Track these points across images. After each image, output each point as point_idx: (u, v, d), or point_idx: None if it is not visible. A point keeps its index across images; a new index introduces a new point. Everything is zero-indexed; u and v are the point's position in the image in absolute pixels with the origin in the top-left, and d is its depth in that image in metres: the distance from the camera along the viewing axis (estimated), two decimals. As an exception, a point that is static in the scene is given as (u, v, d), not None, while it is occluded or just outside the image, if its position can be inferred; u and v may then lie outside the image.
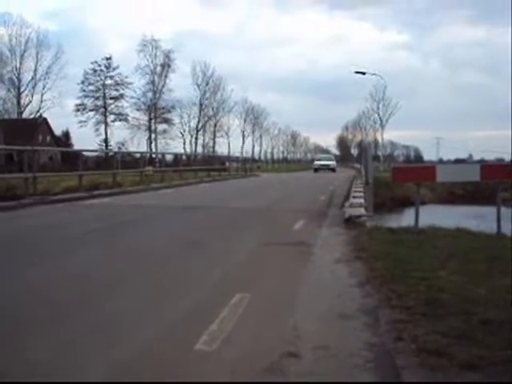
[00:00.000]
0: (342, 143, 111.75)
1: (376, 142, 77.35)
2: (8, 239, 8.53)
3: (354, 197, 14.31)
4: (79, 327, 4.11)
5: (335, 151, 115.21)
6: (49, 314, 4.47)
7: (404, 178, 10.68)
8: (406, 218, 15.09)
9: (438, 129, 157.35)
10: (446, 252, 6.88)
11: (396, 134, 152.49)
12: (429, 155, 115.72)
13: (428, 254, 6.78)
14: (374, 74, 53.87)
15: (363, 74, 52.19)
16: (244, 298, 4.87)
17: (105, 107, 67.51)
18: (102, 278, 5.84)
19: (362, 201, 12.96)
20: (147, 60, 68.04)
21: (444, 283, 5.15)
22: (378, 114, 75.45)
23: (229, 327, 4.05)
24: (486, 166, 10.23)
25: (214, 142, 79.02)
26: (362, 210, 11.10)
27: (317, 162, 59.40)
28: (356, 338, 3.89)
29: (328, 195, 17.75)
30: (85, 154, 33.92)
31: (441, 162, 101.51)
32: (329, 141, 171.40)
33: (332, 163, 58.04)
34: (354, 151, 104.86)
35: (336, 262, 6.73)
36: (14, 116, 62.49)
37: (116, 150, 59.89)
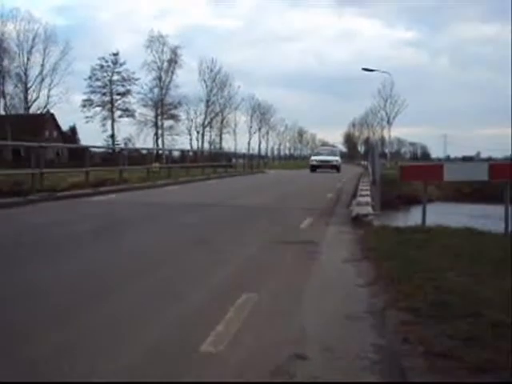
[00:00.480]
0: (349, 140, 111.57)
1: (383, 139, 77.31)
2: (15, 237, 8.52)
3: (361, 195, 14.28)
4: (78, 330, 4.10)
5: (342, 148, 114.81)
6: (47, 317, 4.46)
7: (412, 177, 10.66)
8: (413, 217, 15.05)
9: (446, 126, 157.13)
10: (454, 252, 6.85)
11: (403, 131, 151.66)
12: (436, 152, 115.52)
13: (435, 254, 6.74)
14: (381, 72, 53.75)
15: (371, 71, 52.03)
16: (250, 298, 4.86)
17: (111, 103, 67.69)
18: (108, 275, 5.83)
19: (368, 199, 12.92)
20: (154, 56, 68.14)
21: (451, 284, 5.12)
22: (385, 111, 75.47)
23: (235, 328, 4.03)
24: (495, 166, 10.19)
25: (221, 139, 79.11)
26: (369, 209, 11.07)
27: (314, 158, 44.61)
28: (363, 339, 3.87)
29: (335, 193, 17.70)
30: (92, 149, 33.98)
31: (448, 159, 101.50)
32: (336, 137, 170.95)
33: (335, 159, 43.33)
34: (361, 148, 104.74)
35: (343, 261, 6.71)
36: (21, 111, 62.63)
37: (123, 145, 60.09)
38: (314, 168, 42.01)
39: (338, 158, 44.24)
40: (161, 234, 9.06)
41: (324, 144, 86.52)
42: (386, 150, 69.20)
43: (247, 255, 7.12)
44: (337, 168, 41.68)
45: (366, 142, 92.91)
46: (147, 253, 7.23)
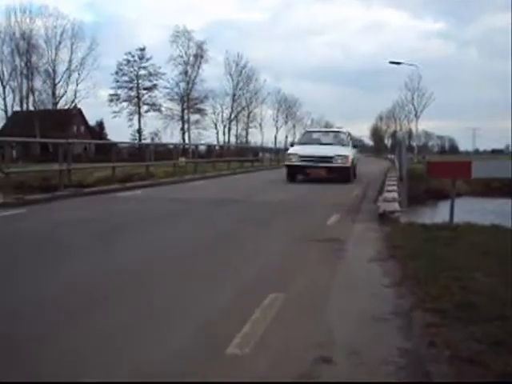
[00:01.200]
0: (376, 134, 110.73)
1: (410, 132, 76.69)
2: (42, 234, 8.63)
3: (388, 191, 14.21)
4: (102, 330, 4.15)
5: (369, 141, 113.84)
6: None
7: (438, 174, 10.53)
8: (441, 212, 14.91)
9: (474, 118, 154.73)
10: (482, 251, 6.76)
11: (430, 125, 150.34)
12: (464, 146, 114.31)
13: (462, 252, 6.68)
14: (408, 64, 53.29)
15: (398, 63, 51.68)
16: (277, 298, 4.86)
17: (138, 97, 68.31)
18: (131, 274, 5.87)
19: (395, 195, 12.85)
20: (180, 51, 68.63)
21: (479, 285, 5.06)
22: (413, 104, 74.90)
23: (261, 330, 4.03)
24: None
25: (247, 133, 79.43)
26: (395, 205, 10.98)
27: (296, 151, 21.70)
28: (389, 342, 3.85)
29: (361, 188, 17.58)
30: (119, 144, 34.22)
31: (477, 152, 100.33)
32: (363, 131, 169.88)
33: (341, 154, 20.56)
34: (388, 142, 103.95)
35: (369, 260, 6.67)
36: (50, 107, 63.49)
37: (149, 140, 60.52)
38: (293, 172, 21.11)
39: (347, 150, 21.22)
40: (186, 230, 9.10)
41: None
42: (414, 144, 68.64)
43: (274, 253, 7.12)
44: (344, 172, 20.25)
45: (393, 135, 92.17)
46: (172, 251, 7.28)
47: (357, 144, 27.75)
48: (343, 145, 21.83)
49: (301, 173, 20.92)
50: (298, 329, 4.17)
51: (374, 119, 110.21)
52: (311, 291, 5.25)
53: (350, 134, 23.67)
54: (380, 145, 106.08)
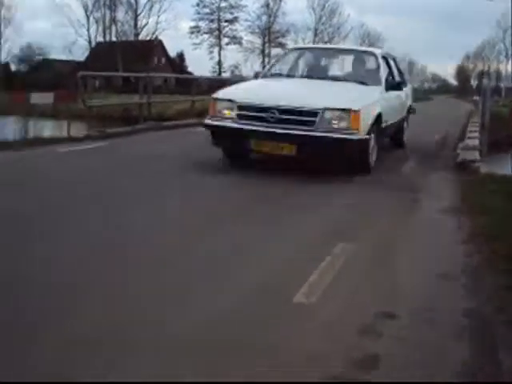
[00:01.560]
0: (462, 74, 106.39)
1: (498, 73, 73.49)
2: (123, 168, 8.84)
3: (469, 137, 13.81)
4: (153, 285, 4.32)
5: (453, 81, 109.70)
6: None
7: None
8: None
9: None
10: None
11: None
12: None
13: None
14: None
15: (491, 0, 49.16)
16: (346, 248, 4.90)
17: (219, 30, 67.99)
18: (197, 219, 5.91)
19: (476, 143, 12.50)
20: (262, -18, 67.29)
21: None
22: (504, 43, 71.52)
23: (328, 279, 4.11)
24: None
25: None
26: (476, 154, 10.68)
27: (237, 93, 8.55)
28: (454, 301, 3.86)
29: (443, 134, 17.06)
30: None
31: None
32: (447, 69, 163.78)
33: (340, 104, 7.81)
34: (474, 82, 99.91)
35: (442, 213, 6.54)
36: (131, 38, 64.16)
37: (229, 72, 60.49)
38: (222, 143, 8.72)
39: (365, 95, 8.70)
40: (261, 171, 9.13)
41: (434, 76, 68.64)
42: (502, 85, 65.79)
43: (345, 201, 7.04)
44: (347, 151, 7.95)
45: (480, 75, 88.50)
46: (249, 192, 7.28)
47: (402, 81, 11.59)
48: (363, 82, 9.50)
49: (239, 146, 8.69)
50: (363, 281, 4.22)
51: (460, 59, 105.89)
52: (380, 243, 5.25)
53: (387, 60, 11.14)
54: (466, 84, 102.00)
